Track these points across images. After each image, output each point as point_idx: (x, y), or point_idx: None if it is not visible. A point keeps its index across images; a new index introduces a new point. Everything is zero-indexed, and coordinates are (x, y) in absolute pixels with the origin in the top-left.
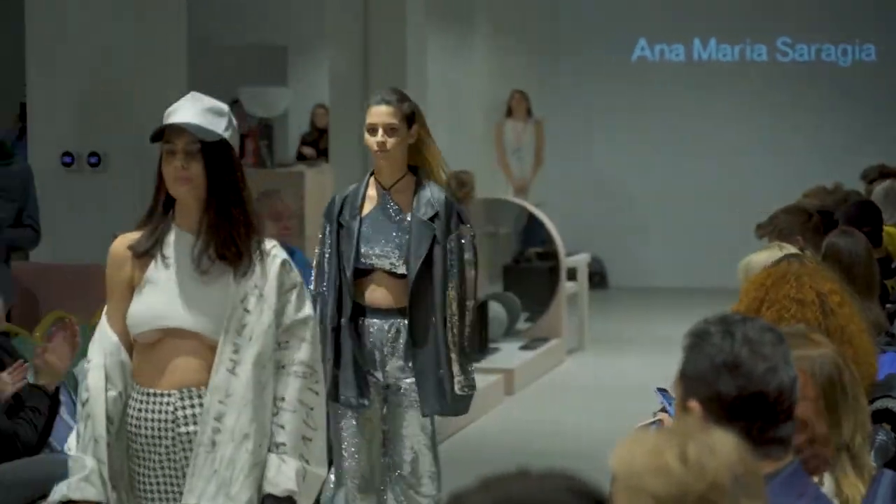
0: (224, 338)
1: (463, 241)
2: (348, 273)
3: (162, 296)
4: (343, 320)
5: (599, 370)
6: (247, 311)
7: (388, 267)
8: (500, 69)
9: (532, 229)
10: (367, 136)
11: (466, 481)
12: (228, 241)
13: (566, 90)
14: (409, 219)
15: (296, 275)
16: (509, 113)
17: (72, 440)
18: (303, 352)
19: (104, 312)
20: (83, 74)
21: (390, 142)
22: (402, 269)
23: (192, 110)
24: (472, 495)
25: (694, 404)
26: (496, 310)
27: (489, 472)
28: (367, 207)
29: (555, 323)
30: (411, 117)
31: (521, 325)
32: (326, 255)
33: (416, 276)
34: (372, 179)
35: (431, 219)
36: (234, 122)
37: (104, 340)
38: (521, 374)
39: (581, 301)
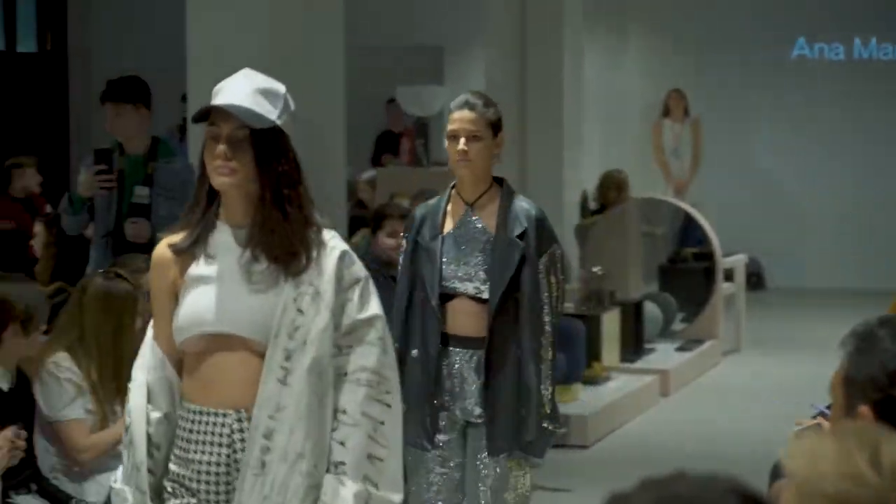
0: (273, 343)
1: (556, 261)
2: (433, 301)
3: (205, 298)
4: (415, 352)
5: (756, 372)
6: (300, 311)
7: (471, 291)
8: (656, 68)
9: (688, 229)
10: (447, 143)
11: (620, 481)
12: (281, 241)
13: (723, 89)
14: (494, 237)
15: (359, 268)
16: (666, 112)
17: (119, 471)
18: (368, 357)
19: (150, 326)
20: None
21: (473, 150)
22: (487, 294)
23: (242, 90)
24: (632, 496)
25: (865, 409)
26: (651, 310)
27: (643, 473)
28: (449, 225)
29: (711, 324)
30: (497, 124)
31: (677, 325)
32: (403, 279)
33: (498, 301)
34: (454, 193)
35: (520, 236)
36: (292, 105)
37: (148, 356)
38: (676, 376)
39: (738, 302)
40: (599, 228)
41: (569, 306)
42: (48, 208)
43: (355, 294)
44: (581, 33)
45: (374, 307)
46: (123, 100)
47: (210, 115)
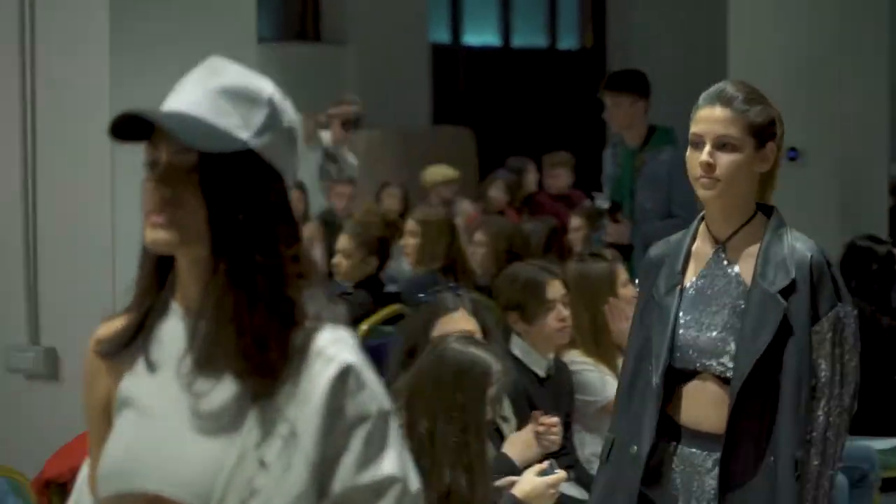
0: None
1: (843, 326)
2: (655, 378)
3: (134, 436)
4: (634, 448)
5: None
6: (262, 464)
7: (717, 369)
8: None
9: None
10: (689, 151)
11: None
12: (240, 343)
13: None
14: (749, 290)
15: (371, 397)
16: None
17: None
18: None
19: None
20: (785, 67)
21: (723, 164)
22: None
23: (196, 91)
24: None
25: None
26: None
27: None
28: (693, 271)
29: None
30: (765, 130)
31: None
32: (633, 346)
33: (745, 381)
34: (702, 227)
35: (786, 291)
36: (286, 117)
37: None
38: None
39: None
40: None
41: None
42: (586, 202)
43: (357, 441)
44: None
45: (389, 464)
46: (620, 90)
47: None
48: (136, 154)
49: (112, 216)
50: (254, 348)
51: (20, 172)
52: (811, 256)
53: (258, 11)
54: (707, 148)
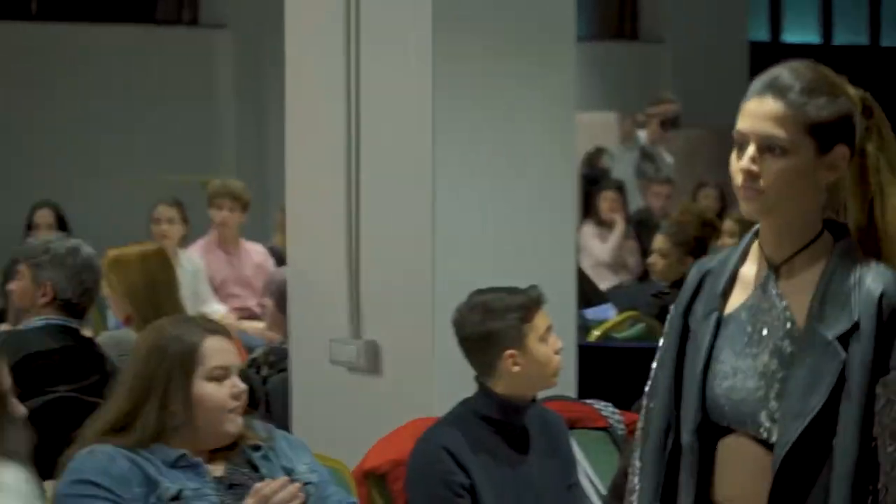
0: None
1: None
2: (686, 435)
3: None
4: None
5: None
6: None
7: (752, 429)
8: None
9: None
10: (733, 155)
11: None
12: None
13: None
14: (800, 331)
15: None
16: None
17: None
18: None
19: None
20: None
21: (769, 172)
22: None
23: None
24: None
25: None
26: None
27: None
28: (737, 299)
29: None
30: (830, 129)
31: None
32: (662, 385)
33: (791, 447)
34: (755, 245)
35: (844, 336)
36: None
37: None
38: None
39: None
40: None
41: None
42: None
43: None
44: None
45: None
46: None
47: None
48: (456, 153)
49: (432, 214)
50: None
51: (344, 173)
52: (882, 292)
53: (576, 10)
54: (750, 151)
